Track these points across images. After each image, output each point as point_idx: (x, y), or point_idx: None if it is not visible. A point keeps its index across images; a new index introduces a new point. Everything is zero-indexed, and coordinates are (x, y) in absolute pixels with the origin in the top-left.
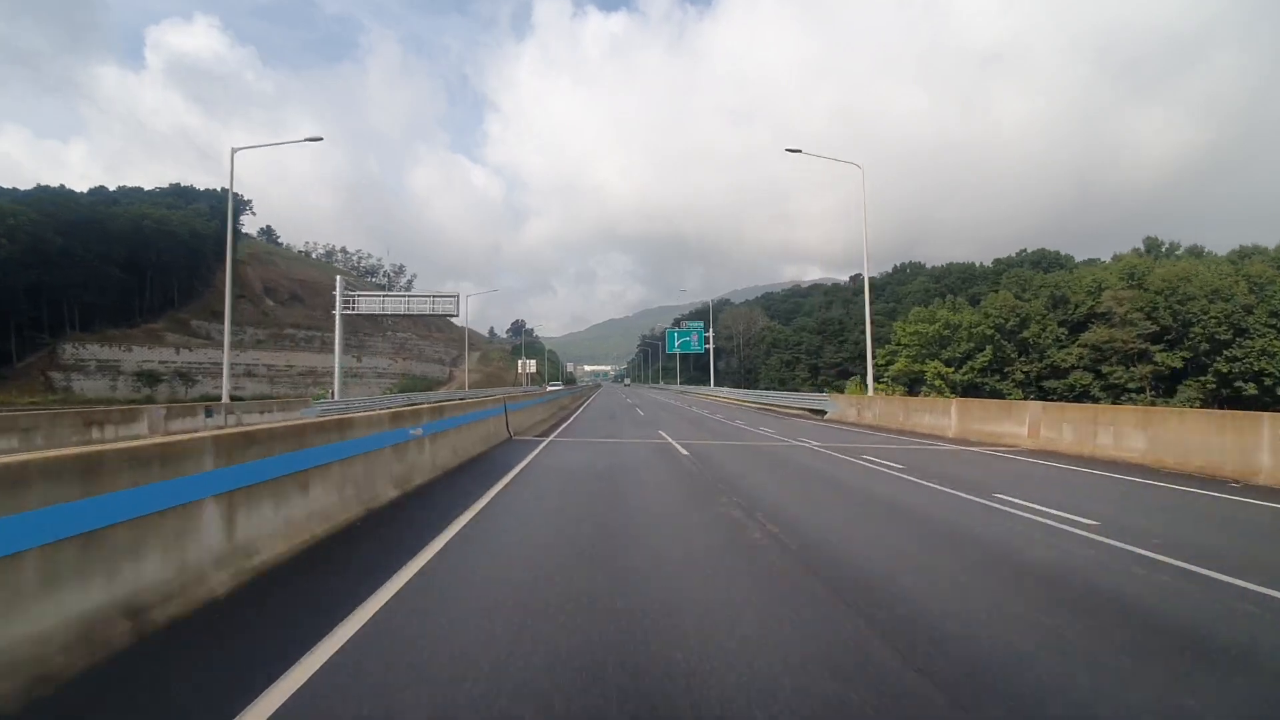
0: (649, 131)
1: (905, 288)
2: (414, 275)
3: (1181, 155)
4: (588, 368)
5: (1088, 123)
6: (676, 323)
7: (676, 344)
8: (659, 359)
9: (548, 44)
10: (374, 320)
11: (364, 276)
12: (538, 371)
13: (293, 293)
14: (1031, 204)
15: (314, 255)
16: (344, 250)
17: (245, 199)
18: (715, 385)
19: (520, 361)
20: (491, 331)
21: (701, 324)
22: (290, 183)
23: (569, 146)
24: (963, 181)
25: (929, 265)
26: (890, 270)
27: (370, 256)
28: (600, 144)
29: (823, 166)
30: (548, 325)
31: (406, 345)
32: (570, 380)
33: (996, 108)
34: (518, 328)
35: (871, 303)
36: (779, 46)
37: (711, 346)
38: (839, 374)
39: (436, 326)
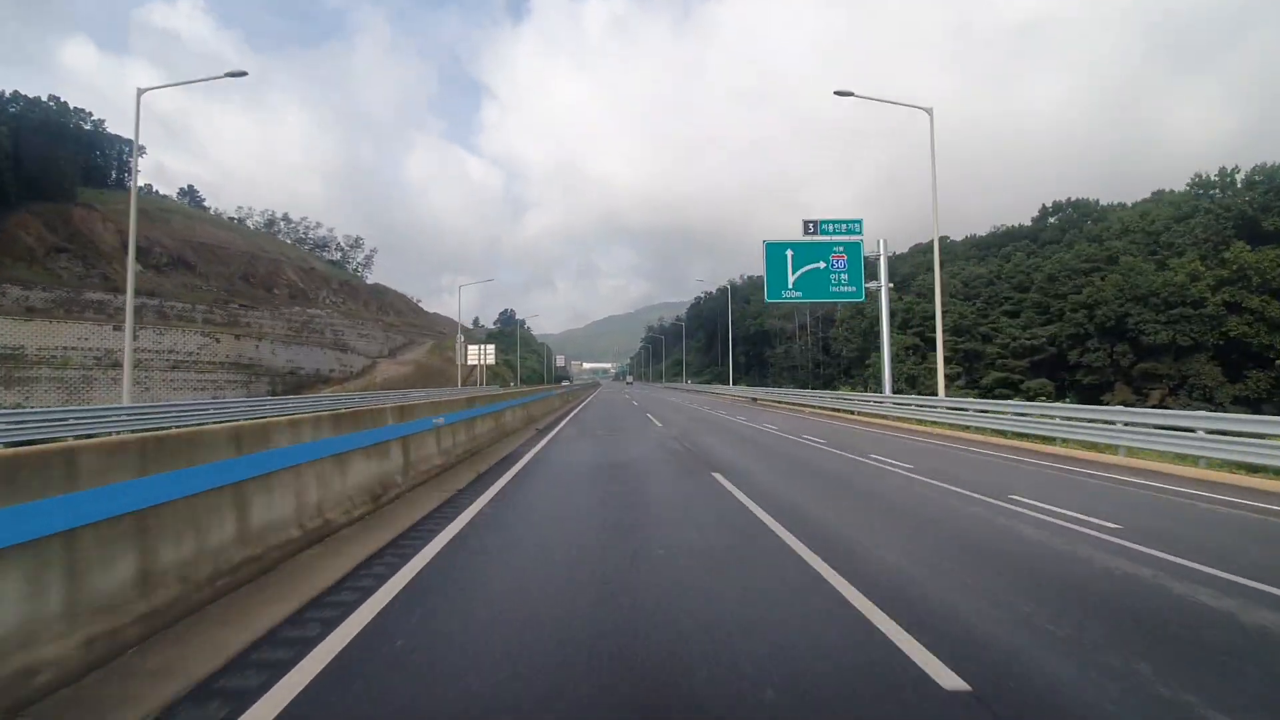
0: (654, 117)
1: (1127, 211)
2: (374, 250)
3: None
4: (587, 365)
5: (1124, 101)
6: (811, 228)
7: (791, 277)
8: (669, 354)
9: (546, 27)
10: (293, 287)
11: (315, 249)
12: (499, 362)
13: (180, 256)
14: (1060, 186)
15: (248, 222)
16: (286, 218)
17: (86, 113)
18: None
19: (461, 347)
20: (476, 322)
21: (858, 225)
22: (281, 169)
23: (569, 134)
24: (989, 163)
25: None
26: (1030, 221)
27: (320, 226)
28: (602, 131)
29: (835, 155)
30: (546, 321)
31: (313, 324)
32: (562, 378)
33: (1028, 85)
34: (507, 318)
35: None
36: (794, 22)
37: (888, 286)
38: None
39: (397, 309)
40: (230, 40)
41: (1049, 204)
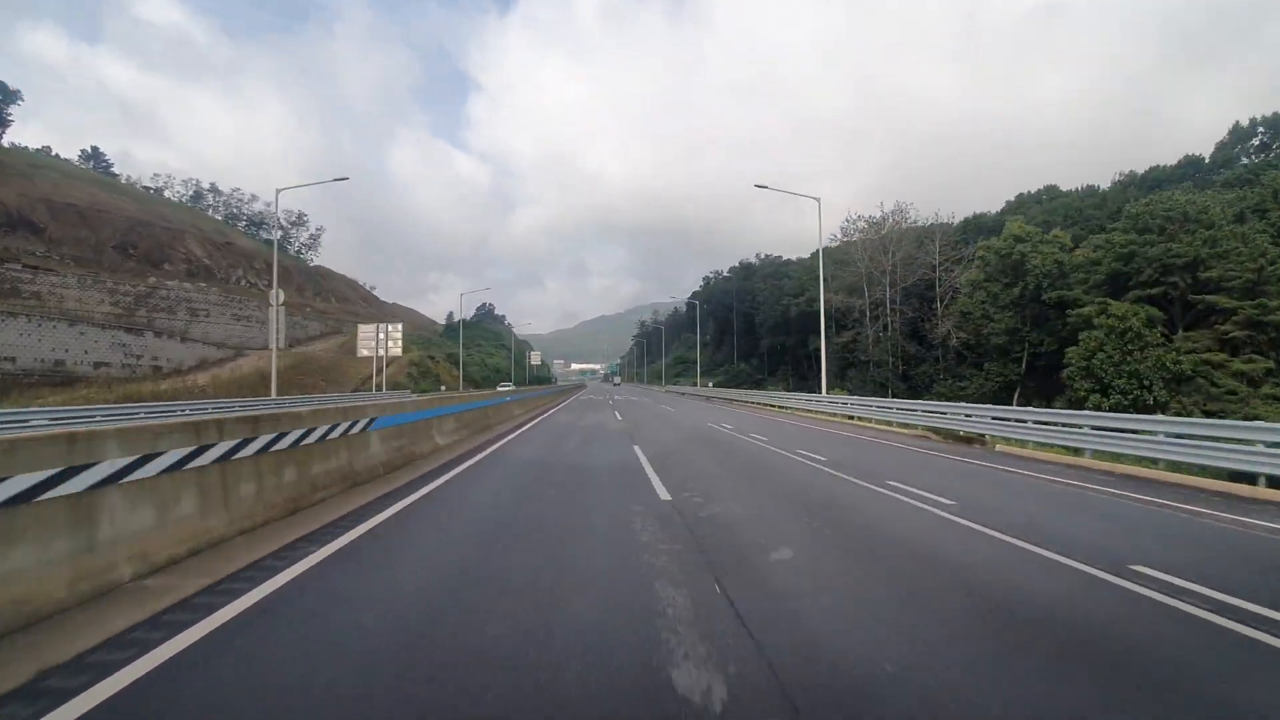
0: (648, 112)
1: None
2: (320, 229)
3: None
4: (575, 366)
5: (1132, 97)
6: None
7: None
8: (668, 350)
9: (536, 19)
10: (194, 262)
11: (252, 227)
12: (443, 357)
13: (24, 216)
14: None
15: (167, 191)
16: (215, 189)
17: None
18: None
19: (278, 315)
20: (450, 318)
21: None
22: (262, 161)
23: (559, 129)
24: (994, 163)
25: None
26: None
27: (255, 200)
28: (594, 126)
29: (836, 151)
30: (536, 321)
31: (155, 298)
32: (544, 379)
33: (1040, 80)
34: (485, 312)
35: None
36: (794, 14)
37: None
38: None
39: (341, 295)
40: (206, 27)
41: (1236, 125)
